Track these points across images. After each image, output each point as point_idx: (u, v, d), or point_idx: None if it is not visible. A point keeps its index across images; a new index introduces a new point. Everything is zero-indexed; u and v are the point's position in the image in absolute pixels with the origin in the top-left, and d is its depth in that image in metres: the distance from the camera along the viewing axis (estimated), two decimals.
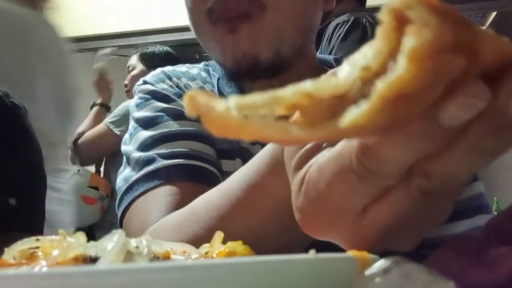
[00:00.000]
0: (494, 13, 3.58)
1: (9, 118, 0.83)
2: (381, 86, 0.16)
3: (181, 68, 0.68)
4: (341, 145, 0.22)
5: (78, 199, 1.69)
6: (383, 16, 0.17)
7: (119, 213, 0.56)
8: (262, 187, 0.36)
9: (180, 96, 0.61)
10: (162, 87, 0.62)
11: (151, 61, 2.00)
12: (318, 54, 0.68)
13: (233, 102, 0.18)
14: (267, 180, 0.35)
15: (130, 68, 2.08)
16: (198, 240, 0.41)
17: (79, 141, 1.87)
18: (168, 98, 0.60)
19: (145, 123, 0.58)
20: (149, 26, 2.81)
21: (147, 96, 0.61)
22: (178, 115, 0.58)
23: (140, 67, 2.03)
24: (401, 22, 0.16)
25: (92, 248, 0.22)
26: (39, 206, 0.80)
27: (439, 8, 0.15)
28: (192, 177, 0.52)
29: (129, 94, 2.04)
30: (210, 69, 0.68)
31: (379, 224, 0.22)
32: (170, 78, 0.64)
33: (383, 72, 0.17)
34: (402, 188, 0.21)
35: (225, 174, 0.52)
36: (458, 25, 0.15)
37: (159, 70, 0.66)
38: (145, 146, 0.56)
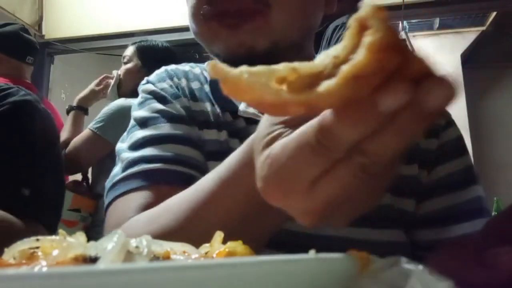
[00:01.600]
0: (494, 13, 3.58)
1: (41, 122, 0.97)
2: (345, 67, 0.23)
3: (185, 67, 0.68)
4: (303, 127, 0.27)
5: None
6: (351, 22, 0.24)
7: (104, 208, 0.58)
8: (234, 177, 0.40)
9: (177, 97, 0.62)
10: (162, 86, 0.63)
11: (148, 57, 1.91)
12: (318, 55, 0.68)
13: (244, 68, 0.25)
14: (238, 171, 0.40)
15: (125, 60, 1.95)
16: (170, 231, 0.44)
17: (66, 150, 1.77)
18: (165, 99, 0.61)
19: (141, 123, 0.60)
20: (149, 26, 2.81)
21: (148, 96, 0.63)
22: (172, 118, 0.59)
23: (135, 61, 1.93)
24: (362, 27, 0.23)
25: (92, 248, 0.22)
26: (51, 197, 0.92)
27: (388, 21, 0.23)
28: (172, 181, 0.53)
29: (120, 85, 1.95)
30: (201, 67, 0.68)
31: (325, 197, 0.27)
32: (171, 78, 0.65)
33: (347, 61, 0.24)
34: (345, 164, 0.26)
35: None
36: (397, 37, 0.23)
37: (163, 69, 0.67)
38: (136, 145, 0.58)
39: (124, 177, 0.55)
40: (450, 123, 0.64)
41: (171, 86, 0.63)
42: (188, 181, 0.51)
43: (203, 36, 0.60)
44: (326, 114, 0.25)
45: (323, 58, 0.25)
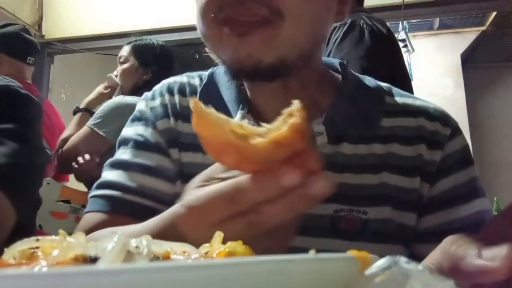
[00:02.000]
0: (494, 13, 3.58)
1: (24, 107, 0.99)
2: (272, 134, 0.33)
3: (183, 78, 0.68)
4: (224, 182, 0.35)
5: (46, 215, 1.61)
6: (283, 112, 0.34)
7: None
8: (171, 222, 0.44)
9: (164, 117, 0.63)
10: (153, 105, 0.65)
11: (144, 54, 1.89)
12: (323, 58, 0.67)
13: (214, 111, 0.34)
14: (174, 217, 0.44)
15: (121, 60, 1.93)
16: None
17: (64, 147, 1.76)
18: (148, 122, 0.64)
19: (123, 142, 0.64)
20: (149, 26, 2.81)
21: (137, 113, 0.65)
22: (147, 146, 0.62)
23: (132, 60, 1.90)
24: (289, 116, 0.34)
25: (92, 248, 0.22)
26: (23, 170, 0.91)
27: (304, 117, 0.33)
28: (126, 211, 0.58)
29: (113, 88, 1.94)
30: (203, 76, 0.67)
31: (227, 235, 0.32)
32: (164, 94, 0.66)
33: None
34: (242, 217, 0.34)
35: None
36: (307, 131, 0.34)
37: (162, 82, 0.68)
38: (112, 164, 0.62)
39: (91, 196, 0.61)
40: (455, 132, 0.61)
41: (161, 104, 0.64)
42: (145, 212, 0.53)
43: (212, 40, 0.57)
44: (244, 177, 0.34)
45: (263, 129, 0.34)
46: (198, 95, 0.64)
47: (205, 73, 0.68)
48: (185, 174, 0.61)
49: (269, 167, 0.34)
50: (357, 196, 0.56)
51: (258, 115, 0.61)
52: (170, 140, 0.63)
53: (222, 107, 0.61)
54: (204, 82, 0.66)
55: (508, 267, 0.24)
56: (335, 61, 0.69)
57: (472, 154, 0.63)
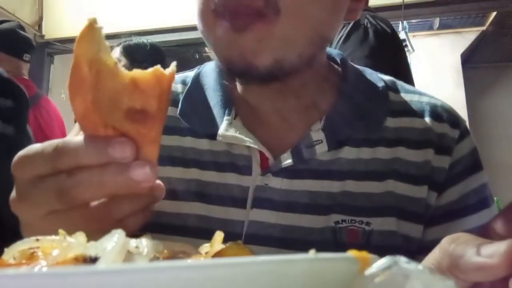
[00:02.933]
0: (494, 13, 3.58)
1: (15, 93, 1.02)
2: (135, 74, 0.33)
3: (177, 83, 0.64)
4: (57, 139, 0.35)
5: None
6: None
7: None
8: None
9: None
10: None
11: (135, 54, 1.89)
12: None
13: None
14: None
15: None
16: None
17: None
18: None
19: None
20: (149, 26, 2.81)
21: None
22: None
23: (123, 61, 1.89)
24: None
25: (92, 248, 0.22)
26: None
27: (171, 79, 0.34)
28: None
29: None
30: (188, 79, 0.63)
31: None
32: None
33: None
34: (53, 181, 0.34)
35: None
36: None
37: None
38: None
39: None
40: (464, 134, 0.58)
41: None
42: None
43: (207, 36, 0.54)
44: (75, 137, 0.34)
45: (130, 72, 0.33)
46: (180, 104, 0.60)
47: (191, 75, 0.64)
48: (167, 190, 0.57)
49: (112, 117, 0.32)
50: (360, 205, 0.52)
51: (248, 119, 0.57)
52: None
53: (208, 113, 0.57)
54: (187, 86, 0.61)
55: (507, 264, 0.24)
56: (335, 53, 0.64)
57: (480, 156, 0.59)
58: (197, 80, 0.62)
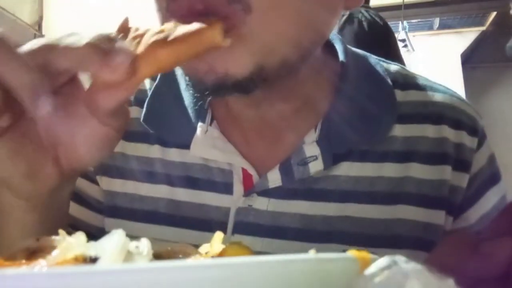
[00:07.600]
0: (494, 13, 3.58)
1: None
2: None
3: (146, 85, 0.56)
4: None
5: None
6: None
7: None
8: None
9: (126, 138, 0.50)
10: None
11: None
12: None
13: None
14: None
15: None
16: None
17: None
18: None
19: None
20: (149, 26, 2.81)
21: None
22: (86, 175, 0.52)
23: None
24: None
25: (92, 248, 0.22)
26: None
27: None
28: None
29: None
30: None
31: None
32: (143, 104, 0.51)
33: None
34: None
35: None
36: None
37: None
38: None
39: None
40: (482, 141, 0.51)
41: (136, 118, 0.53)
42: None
43: None
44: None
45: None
46: (145, 105, 0.49)
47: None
48: (117, 207, 0.49)
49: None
50: (364, 233, 0.45)
51: (227, 124, 0.48)
52: (109, 167, 0.49)
53: (181, 112, 0.48)
54: (155, 82, 0.50)
55: (506, 260, 0.24)
56: (333, 37, 0.53)
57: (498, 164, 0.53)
58: (167, 74, 0.50)
